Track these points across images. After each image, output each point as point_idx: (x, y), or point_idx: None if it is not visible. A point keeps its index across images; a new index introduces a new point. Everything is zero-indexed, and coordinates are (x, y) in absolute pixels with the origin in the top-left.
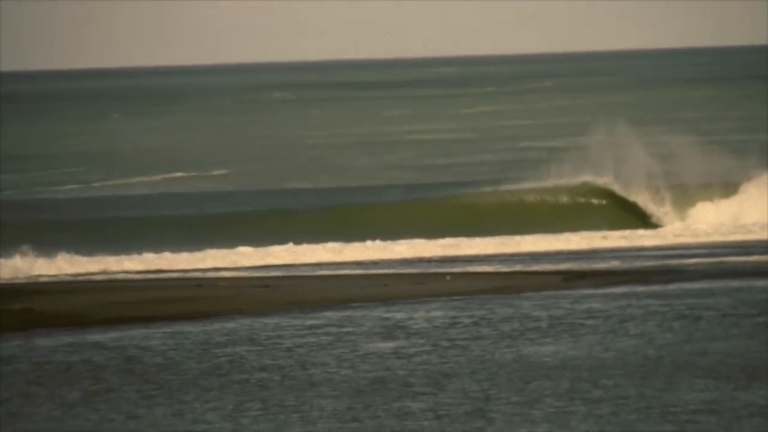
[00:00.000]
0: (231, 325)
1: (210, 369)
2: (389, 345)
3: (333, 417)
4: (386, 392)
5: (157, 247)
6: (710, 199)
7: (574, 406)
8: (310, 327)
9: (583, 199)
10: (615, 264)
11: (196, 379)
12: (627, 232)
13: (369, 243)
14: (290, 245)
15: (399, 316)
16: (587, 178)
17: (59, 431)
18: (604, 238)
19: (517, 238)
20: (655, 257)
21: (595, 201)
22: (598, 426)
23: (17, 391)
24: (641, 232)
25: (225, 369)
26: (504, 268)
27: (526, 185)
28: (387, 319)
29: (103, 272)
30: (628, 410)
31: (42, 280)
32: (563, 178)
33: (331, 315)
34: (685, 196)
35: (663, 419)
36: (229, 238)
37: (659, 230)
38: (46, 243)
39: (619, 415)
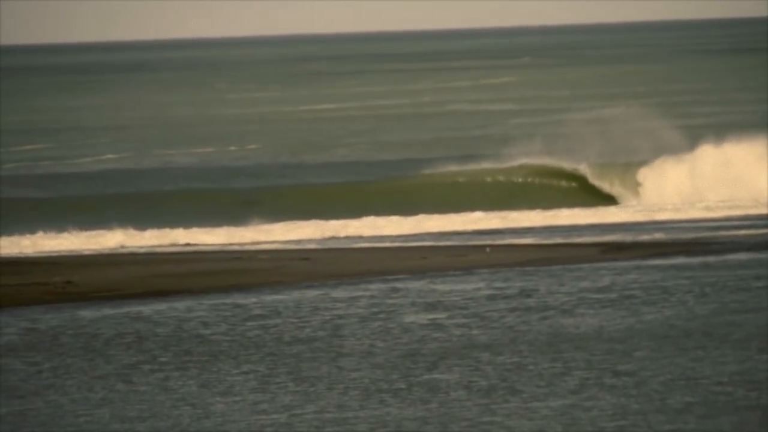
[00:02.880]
0: (270, 297)
1: (246, 341)
2: (426, 317)
3: (362, 388)
4: (419, 364)
5: (192, 221)
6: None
7: (604, 377)
8: (348, 299)
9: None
10: (658, 236)
11: (231, 351)
12: (669, 205)
13: (407, 217)
14: (328, 221)
15: (437, 288)
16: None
17: (90, 402)
18: (641, 211)
19: (555, 211)
20: (697, 229)
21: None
22: (625, 397)
23: (53, 362)
24: (681, 205)
25: (261, 341)
26: (543, 241)
27: (526, 161)
28: (425, 291)
29: (142, 246)
30: (656, 381)
31: (83, 253)
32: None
33: (369, 287)
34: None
35: (690, 390)
36: (265, 213)
37: (703, 203)
38: (84, 217)
39: (647, 386)
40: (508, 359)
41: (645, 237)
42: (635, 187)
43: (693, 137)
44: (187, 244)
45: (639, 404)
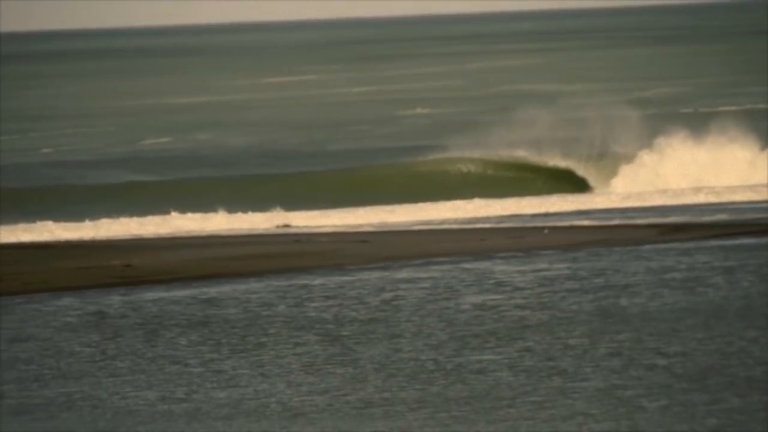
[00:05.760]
0: (330, 279)
1: (302, 323)
2: (482, 298)
3: (408, 369)
4: (469, 345)
5: (245, 205)
6: None
7: (652, 357)
8: (406, 280)
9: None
10: (720, 217)
11: (287, 333)
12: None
13: (465, 203)
14: (383, 206)
15: (495, 269)
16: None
17: (139, 383)
18: (707, 193)
19: (608, 195)
20: (763, 210)
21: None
22: (669, 377)
23: (108, 344)
24: (742, 186)
25: (317, 322)
26: (602, 222)
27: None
28: (482, 272)
29: (199, 230)
30: (704, 361)
31: (141, 237)
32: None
33: (427, 269)
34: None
35: (735, 369)
36: (318, 197)
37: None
38: (142, 201)
39: (693, 366)
40: (558, 340)
41: (707, 218)
42: (698, 168)
43: (725, 120)
44: (241, 228)
45: (681, 384)
